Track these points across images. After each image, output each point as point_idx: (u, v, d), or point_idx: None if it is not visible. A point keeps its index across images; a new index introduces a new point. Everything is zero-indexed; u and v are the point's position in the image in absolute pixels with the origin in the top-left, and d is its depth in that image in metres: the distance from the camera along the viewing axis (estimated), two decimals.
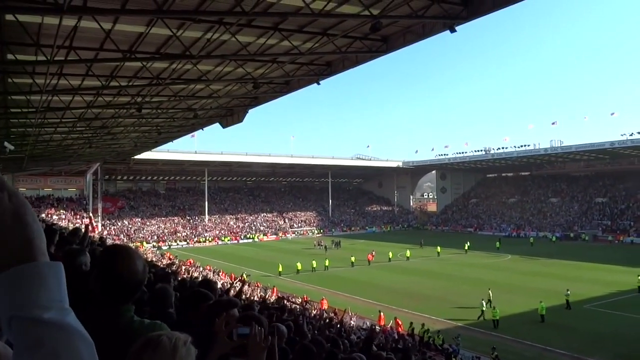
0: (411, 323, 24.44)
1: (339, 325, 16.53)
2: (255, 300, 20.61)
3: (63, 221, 52.51)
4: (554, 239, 65.99)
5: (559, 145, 74.15)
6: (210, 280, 7.47)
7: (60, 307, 0.91)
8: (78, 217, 60.49)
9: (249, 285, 32.98)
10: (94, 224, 59.81)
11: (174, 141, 37.87)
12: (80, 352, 0.88)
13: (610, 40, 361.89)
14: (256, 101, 22.87)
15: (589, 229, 68.23)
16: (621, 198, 72.73)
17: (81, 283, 2.76)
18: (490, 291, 30.74)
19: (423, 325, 24.07)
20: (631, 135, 63.28)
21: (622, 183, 75.05)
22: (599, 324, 25.93)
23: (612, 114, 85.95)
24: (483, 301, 28.28)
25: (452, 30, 12.59)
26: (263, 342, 2.24)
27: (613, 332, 24.49)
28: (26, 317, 0.86)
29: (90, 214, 61.73)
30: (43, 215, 51.99)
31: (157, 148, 48.11)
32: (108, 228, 66.98)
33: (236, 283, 13.92)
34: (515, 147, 78.28)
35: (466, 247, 55.89)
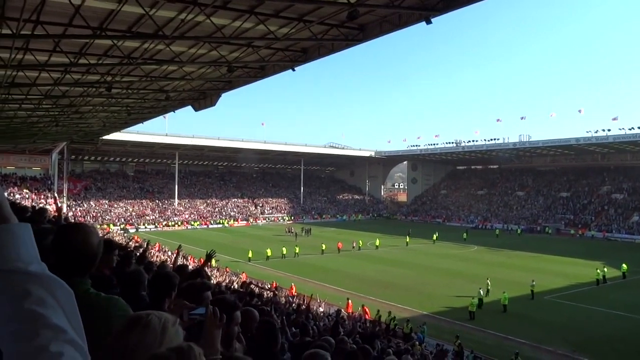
0: (378, 311, 24.84)
1: (305, 311, 16.64)
2: (224, 285, 20.56)
3: (27, 201, 50.97)
4: (519, 231, 67.73)
5: (527, 140, 75.94)
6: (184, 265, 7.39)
7: (39, 261, 1.01)
8: (42, 197, 58.84)
9: (218, 270, 32.89)
10: (59, 205, 58.31)
11: (144, 122, 37.07)
12: (61, 299, 0.98)
13: (580, 40, 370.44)
14: (230, 85, 22.56)
15: (552, 222, 70.33)
16: (584, 193, 75.13)
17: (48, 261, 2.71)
18: (488, 281, 31.23)
19: (389, 313, 24.46)
20: (596, 132, 65.40)
21: (585, 179, 77.50)
22: (558, 315, 26.86)
23: (580, 110, 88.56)
24: (481, 290, 28.84)
25: (428, 22, 12.65)
26: (218, 322, 2.23)
27: (571, 322, 25.45)
28: (12, 269, 0.95)
29: (55, 195, 60.11)
30: (5, 194, 50.29)
31: (127, 129, 47.05)
32: (74, 209, 65.40)
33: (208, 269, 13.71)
34: (485, 140, 79.87)
35: (434, 238, 56.87)
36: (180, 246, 13.10)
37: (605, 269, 35.43)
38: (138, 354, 1.34)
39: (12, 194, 53.86)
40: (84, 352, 0.94)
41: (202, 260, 7.49)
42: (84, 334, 1.00)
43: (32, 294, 0.93)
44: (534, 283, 30.55)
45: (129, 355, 1.35)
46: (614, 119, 65.13)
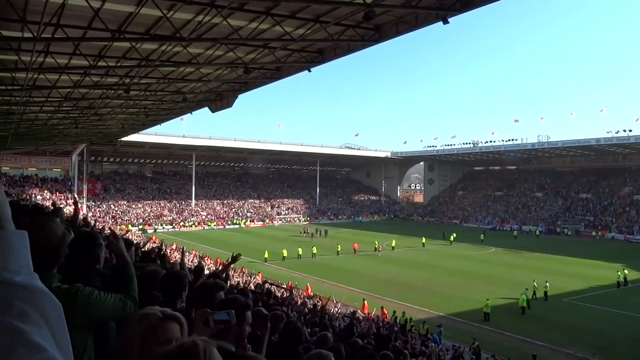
0: (394, 312, 24.74)
1: (321, 311, 16.62)
2: (242, 286, 20.65)
3: (47, 202, 51.85)
4: (537, 233, 66.83)
5: (546, 140, 74.90)
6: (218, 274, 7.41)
7: (29, 272, 0.95)
8: (63, 198, 59.80)
9: (234, 271, 33.04)
10: (79, 206, 59.18)
11: (162, 124, 37.47)
12: (48, 313, 0.91)
13: (602, 38, 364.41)
14: (246, 86, 22.67)
15: (572, 224, 69.21)
16: (604, 194, 73.79)
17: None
18: (535, 283, 30.81)
19: (404, 313, 24.34)
20: (617, 132, 64.18)
21: (606, 180, 76.12)
22: (577, 317, 26.46)
23: (601, 110, 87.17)
24: (527, 290, 28.81)
25: (445, 22, 12.56)
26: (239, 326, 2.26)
27: (591, 325, 25.03)
28: None
29: (75, 195, 61.06)
30: (25, 195, 51.25)
31: (145, 130, 47.61)
32: (93, 210, 66.37)
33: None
34: (502, 141, 79.05)
35: (451, 239, 56.43)
36: (183, 247, 13.28)
37: (626, 271, 34.78)
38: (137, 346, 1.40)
39: (33, 195, 54.82)
40: None
41: (225, 263, 7.52)
42: (70, 350, 0.93)
43: (14, 307, 0.86)
44: (547, 284, 30.22)
45: (131, 345, 1.41)
46: (637, 119, 63.96)
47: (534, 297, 29.49)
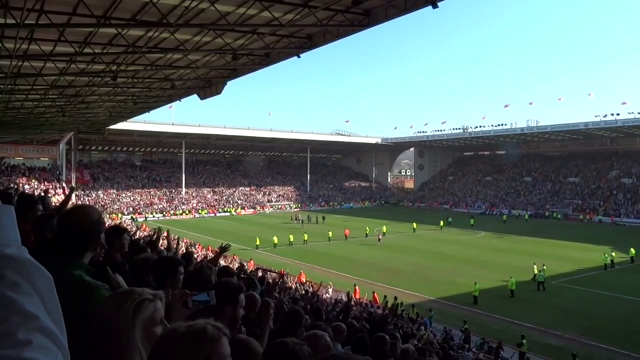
0: (385, 296, 24.92)
1: (312, 297, 16.73)
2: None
3: (35, 191, 51.32)
4: (526, 217, 67.51)
5: (535, 125, 75.35)
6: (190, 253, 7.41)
7: (18, 245, 0.95)
8: (51, 187, 59.23)
9: (225, 257, 33.05)
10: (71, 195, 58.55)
11: (150, 112, 37.09)
12: (38, 284, 0.92)
13: (589, 22, 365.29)
14: (235, 73, 22.46)
15: (560, 207, 69.98)
16: (592, 178, 74.62)
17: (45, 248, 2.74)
18: (541, 266, 30.67)
19: (395, 298, 24.55)
20: (605, 116, 64.73)
21: (594, 163, 76.92)
22: (565, 299, 26.87)
23: (589, 95, 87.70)
24: (542, 273, 29.14)
25: (435, 6, 12.50)
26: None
27: (579, 306, 25.45)
28: None
29: (64, 185, 60.52)
30: (12, 185, 50.64)
31: (133, 118, 47.13)
32: (82, 199, 65.85)
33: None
34: (492, 126, 79.36)
35: (442, 224, 56.80)
36: (178, 237, 13.15)
37: (614, 254, 35.31)
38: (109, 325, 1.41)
39: (20, 185, 54.20)
40: (58, 340, 0.87)
41: (217, 250, 7.48)
42: (62, 321, 0.94)
43: (5, 278, 0.88)
44: (534, 267, 30.52)
45: (105, 327, 1.41)
46: (623, 103, 64.56)
47: (543, 281, 29.42)
